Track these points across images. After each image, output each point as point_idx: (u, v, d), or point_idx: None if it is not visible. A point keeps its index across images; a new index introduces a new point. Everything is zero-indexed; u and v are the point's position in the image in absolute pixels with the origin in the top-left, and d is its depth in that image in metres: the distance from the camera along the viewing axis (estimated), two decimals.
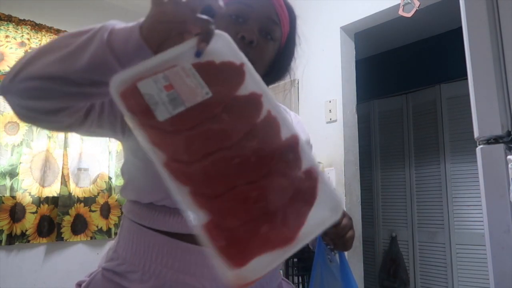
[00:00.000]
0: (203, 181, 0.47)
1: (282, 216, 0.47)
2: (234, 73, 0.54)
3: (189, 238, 0.63)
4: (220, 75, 0.53)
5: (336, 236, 0.69)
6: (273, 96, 0.54)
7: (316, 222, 0.48)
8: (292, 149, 0.51)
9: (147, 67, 0.51)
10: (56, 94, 0.54)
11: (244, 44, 0.69)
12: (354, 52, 2.41)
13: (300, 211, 0.48)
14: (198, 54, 0.53)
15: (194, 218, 0.45)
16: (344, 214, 0.70)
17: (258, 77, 0.54)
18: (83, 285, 0.68)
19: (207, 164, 0.48)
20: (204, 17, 0.52)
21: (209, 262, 0.61)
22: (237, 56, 0.55)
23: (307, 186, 0.50)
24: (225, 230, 0.45)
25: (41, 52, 0.55)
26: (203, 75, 0.52)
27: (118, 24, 0.55)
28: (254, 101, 0.52)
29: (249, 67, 0.55)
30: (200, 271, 0.63)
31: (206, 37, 0.52)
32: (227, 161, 0.48)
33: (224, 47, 0.55)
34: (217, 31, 0.54)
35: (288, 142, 0.51)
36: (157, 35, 0.52)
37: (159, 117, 0.49)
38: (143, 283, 0.63)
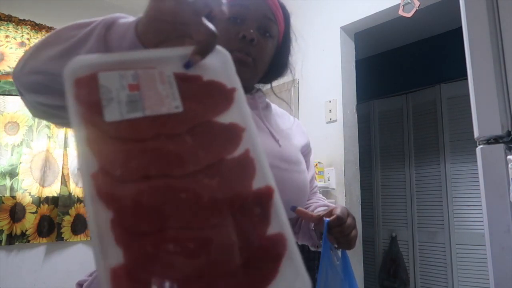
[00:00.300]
0: (131, 209, 0.36)
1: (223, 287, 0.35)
2: (221, 96, 0.46)
3: None
4: (202, 93, 0.45)
5: (341, 235, 0.70)
6: (257, 136, 0.44)
7: None
8: (261, 203, 0.40)
9: (120, 59, 0.44)
10: (60, 89, 0.51)
11: (246, 43, 0.71)
12: (354, 52, 2.41)
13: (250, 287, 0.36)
14: (188, 65, 0.46)
15: (101, 254, 0.33)
16: (348, 214, 0.71)
17: (247, 110, 0.45)
18: (85, 284, 0.68)
19: (142, 189, 0.37)
20: (211, 26, 0.47)
21: None
22: (232, 79, 0.47)
23: (267, 258, 0.38)
24: (138, 284, 0.33)
25: (44, 44, 0.53)
26: (182, 87, 0.44)
27: (122, 18, 0.52)
28: (232, 133, 0.43)
29: (240, 95, 0.46)
30: None
31: (204, 49, 0.47)
32: (171, 193, 0.37)
33: (220, 65, 0.48)
34: (219, 47, 0.49)
35: (258, 193, 0.40)
36: (154, 35, 0.47)
37: (106, 116, 0.40)
38: None
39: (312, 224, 0.77)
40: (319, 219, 0.70)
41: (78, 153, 0.38)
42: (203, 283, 0.35)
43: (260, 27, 0.75)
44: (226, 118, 0.44)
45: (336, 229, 0.69)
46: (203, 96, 0.45)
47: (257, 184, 0.41)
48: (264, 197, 0.41)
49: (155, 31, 0.47)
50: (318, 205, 0.84)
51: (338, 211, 0.69)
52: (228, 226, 0.37)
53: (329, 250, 0.71)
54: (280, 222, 0.40)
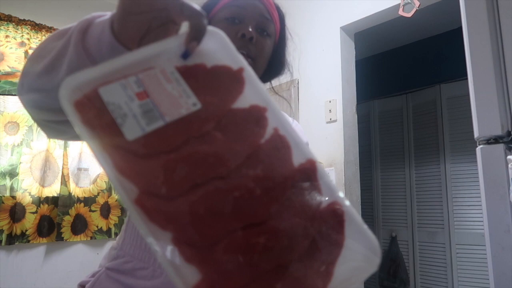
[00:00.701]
0: (190, 223, 0.34)
1: (300, 269, 0.35)
2: (231, 80, 0.42)
3: None
4: (212, 82, 0.41)
5: None
6: (280, 110, 0.42)
7: (346, 275, 0.36)
8: (308, 177, 0.39)
9: (114, 68, 0.39)
10: (58, 105, 0.49)
11: (245, 42, 0.73)
12: (354, 52, 2.41)
13: (324, 261, 0.36)
14: (186, 55, 0.42)
15: (178, 277, 0.32)
16: None
17: (261, 86, 0.43)
18: (87, 285, 0.67)
19: (195, 200, 0.34)
20: (195, 6, 0.43)
21: None
22: (235, 59, 0.44)
23: (331, 227, 0.38)
24: None
25: (32, 58, 0.50)
26: (189, 81, 0.40)
27: (98, 18, 0.47)
28: (257, 116, 0.41)
29: (249, 73, 0.43)
30: None
31: (198, 33, 0.42)
32: (223, 195, 0.35)
33: (218, 47, 0.44)
34: (210, 28, 0.44)
35: (302, 168, 0.39)
36: (132, 30, 0.43)
37: (128, 135, 0.36)
38: (154, 279, 0.62)
39: None
40: None
41: (113, 184, 0.35)
42: (283, 270, 0.34)
43: (258, 26, 0.76)
44: (244, 102, 0.41)
45: None
46: (214, 85, 0.41)
47: (297, 160, 0.40)
48: (310, 171, 0.40)
49: (134, 25, 0.43)
50: None
51: None
52: (288, 210, 0.37)
53: None
54: (330, 190, 0.40)
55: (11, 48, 2.29)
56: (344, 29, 2.33)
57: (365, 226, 0.38)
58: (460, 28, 0.93)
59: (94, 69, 0.39)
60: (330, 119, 2.26)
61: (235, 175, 0.37)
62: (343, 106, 2.24)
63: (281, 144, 0.40)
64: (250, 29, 0.74)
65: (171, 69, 0.41)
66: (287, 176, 0.38)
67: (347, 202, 0.39)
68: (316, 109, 2.34)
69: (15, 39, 2.32)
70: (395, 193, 3.22)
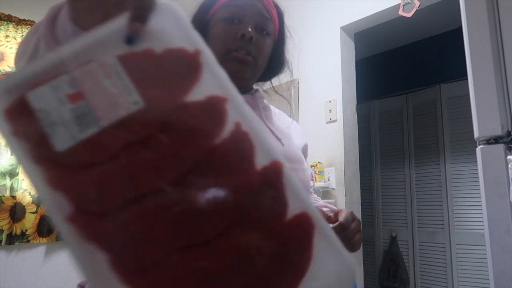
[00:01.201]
0: (126, 244, 0.29)
1: None
2: (185, 66, 0.35)
3: None
4: (161, 71, 0.35)
5: (344, 240, 0.70)
6: (244, 101, 0.35)
7: None
8: (271, 183, 0.33)
9: (47, 66, 0.34)
10: None
11: (245, 42, 0.73)
12: (354, 52, 2.41)
13: (288, 282, 0.31)
14: (129, 40, 0.35)
15: None
16: (353, 218, 0.71)
17: (222, 73, 0.36)
18: (86, 286, 0.67)
19: (130, 217, 0.30)
20: None
21: None
22: (191, 39, 0.36)
23: (296, 243, 0.32)
24: None
25: (17, 58, 0.47)
26: (134, 73, 0.34)
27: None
28: (213, 109, 0.34)
29: (208, 56, 0.36)
30: None
31: (141, 12, 0.35)
32: (162, 211, 0.30)
33: (172, 26, 0.36)
34: (160, 1, 0.37)
35: (264, 173, 0.33)
36: (90, 13, 0.37)
37: (57, 146, 0.31)
38: None
39: None
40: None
41: (42, 199, 0.30)
42: None
43: (257, 26, 0.76)
44: (200, 91, 0.34)
45: (339, 236, 0.69)
46: (164, 75, 0.34)
47: (261, 161, 0.33)
48: (273, 175, 0.33)
49: (89, 7, 0.37)
50: (318, 205, 0.85)
51: (342, 218, 0.68)
52: (240, 226, 0.30)
53: None
54: (299, 199, 0.33)
55: (11, 48, 2.29)
56: (344, 29, 2.33)
57: (338, 243, 0.32)
58: (460, 28, 0.93)
59: (25, 68, 0.34)
60: (330, 119, 2.26)
61: (179, 186, 0.30)
62: (343, 106, 2.24)
63: (242, 144, 0.33)
64: (250, 29, 0.73)
65: (112, 61, 0.34)
66: (243, 184, 0.31)
67: (317, 214, 0.33)
68: (316, 109, 2.34)
69: (15, 39, 2.32)
70: (395, 193, 3.22)
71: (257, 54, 0.75)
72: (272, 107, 0.89)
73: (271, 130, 0.77)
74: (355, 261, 2.01)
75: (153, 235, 0.30)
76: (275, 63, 0.85)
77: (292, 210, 0.33)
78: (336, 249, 0.32)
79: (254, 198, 0.32)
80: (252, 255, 0.30)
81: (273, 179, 0.33)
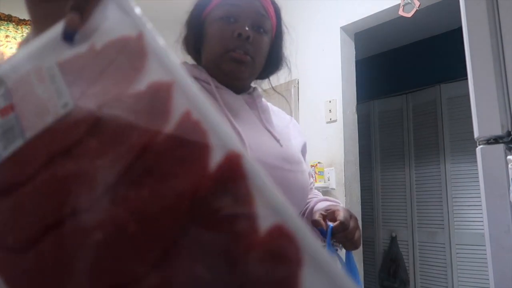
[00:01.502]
0: (36, 284, 0.22)
1: None
2: (126, 55, 0.29)
3: None
4: (99, 67, 0.29)
5: (345, 240, 0.70)
6: (195, 86, 0.27)
7: None
8: (227, 186, 0.23)
9: None
10: None
11: (242, 41, 0.72)
12: (354, 52, 2.41)
13: None
14: (67, 36, 0.30)
15: None
16: (351, 216, 0.71)
17: (170, 56, 0.28)
18: None
19: (42, 250, 0.23)
20: None
21: None
22: (136, 24, 0.30)
23: (273, 277, 0.21)
24: None
25: None
26: (72, 73, 0.29)
27: None
28: (155, 96, 0.26)
29: (153, 39, 0.29)
30: None
31: (79, 4, 0.31)
32: (81, 237, 0.22)
33: (115, 13, 0.31)
34: None
35: (219, 171, 0.23)
36: (41, 14, 0.34)
37: None
38: None
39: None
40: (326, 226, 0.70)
41: None
42: None
43: (254, 24, 0.74)
44: (144, 80, 0.27)
45: (340, 235, 0.69)
46: (102, 70, 0.29)
47: (218, 155, 0.24)
48: (229, 174, 0.23)
49: (39, 10, 0.35)
50: (318, 200, 0.84)
51: (341, 217, 0.68)
52: (186, 254, 0.21)
53: (332, 255, 0.71)
54: (270, 204, 0.22)
55: (11, 48, 2.29)
56: (344, 29, 2.33)
57: (334, 265, 0.22)
58: (460, 28, 0.93)
59: None
60: (330, 119, 2.26)
61: (103, 203, 0.22)
62: (343, 106, 2.24)
63: (191, 136, 0.25)
64: (247, 28, 0.72)
65: (49, 64, 0.30)
66: (189, 191, 0.22)
67: (298, 222, 0.22)
68: (316, 109, 2.34)
69: (15, 39, 2.32)
70: (395, 193, 3.22)
71: (254, 53, 0.74)
72: (270, 105, 0.88)
73: (269, 131, 0.76)
74: (355, 260, 1.99)
75: (71, 273, 0.21)
76: (273, 60, 0.84)
77: (265, 222, 0.22)
78: (331, 270, 0.21)
79: (205, 211, 0.22)
80: None
81: (229, 179, 0.23)
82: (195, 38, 0.78)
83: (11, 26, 2.32)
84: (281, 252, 0.21)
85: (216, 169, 0.23)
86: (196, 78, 0.75)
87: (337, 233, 0.68)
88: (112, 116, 0.26)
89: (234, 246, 0.21)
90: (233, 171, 0.23)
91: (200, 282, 0.21)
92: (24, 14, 2.37)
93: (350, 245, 0.72)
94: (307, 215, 0.82)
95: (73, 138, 0.25)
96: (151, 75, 0.27)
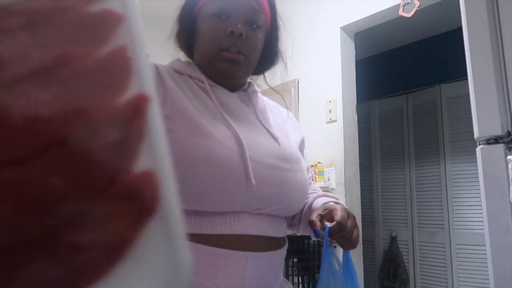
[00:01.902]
0: None
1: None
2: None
3: (203, 240, 0.62)
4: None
5: (343, 240, 0.69)
6: (142, 30, 0.27)
7: None
8: (120, 122, 0.23)
9: None
10: None
11: (235, 39, 0.70)
12: (354, 52, 2.42)
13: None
14: None
15: None
16: (349, 215, 0.70)
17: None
18: None
19: None
20: None
21: (223, 263, 0.61)
22: None
23: (119, 216, 0.21)
24: None
25: None
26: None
27: None
28: (100, 22, 0.26)
29: None
30: (215, 273, 0.62)
31: None
32: None
33: None
34: None
35: (119, 107, 0.24)
36: None
37: None
38: None
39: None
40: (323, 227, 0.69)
41: None
42: None
43: (247, 20, 0.72)
44: (102, 5, 0.26)
45: (337, 235, 0.68)
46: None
47: (129, 95, 0.24)
48: (128, 113, 0.23)
49: None
50: (317, 195, 0.83)
51: (338, 217, 0.67)
52: (48, 162, 0.20)
53: (329, 256, 0.71)
54: (154, 153, 0.23)
55: None
56: (344, 29, 2.33)
57: (182, 238, 0.22)
58: (460, 28, 0.93)
59: None
60: (330, 119, 2.27)
61: (7, 90, 0.21)
62: (343, 106, 2.24)
63: (114, 68, 0.25)
64: (239, 25, 0.70)
65: None
66: (81, 111, 0.22)
67: (168, 186, 0.23)
68: (316, 109, 2.35)
69: None
70: (395, 193, 3.22)
71: (248, 50, 0.72)
72: (266, 100, 0.86)
73: (267, 129, 0.74)
74: (355, 261, 2.00)
75: None
76: (268, 55, 0.81)
77: (141, 165, 0.22)
78: (174, 242, 0.21)
79: (88, 134, 0.22)
80: (48, 208, 0.20)
81: (126, 117, 0.23)
82: (187, 35, 0.76)
83: None
84: (138, 196, 0.22)
85: (122, 102, 0.24)
86: (190, 76, 0.73)
87: (335, 233, 0.67)
88: (52, 21, 0.25)
89: (100, 170, 0.21)
90: (135, 110, 0.24)
91: (48, 186, 0.20)
92: None
93: (347, 245, 0.70)
94: (306, 211, 0.81)
95: (5, 25, 0.23)
96: (110, 1, 0.27)
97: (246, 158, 0.64)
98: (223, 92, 0.74)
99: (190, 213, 0.62)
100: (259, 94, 0.84)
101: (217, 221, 0.63)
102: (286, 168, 0.70)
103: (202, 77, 0.73)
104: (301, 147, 0.86)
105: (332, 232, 0.67)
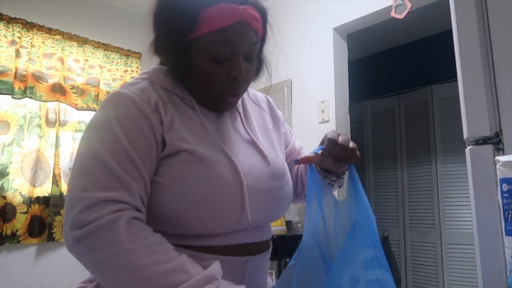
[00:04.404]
0: None
1: None
2: None
3: (203, 249, 0.64)
4: None
5: (341, 152, 0.70)
6: None
7: None
8: None
9: None
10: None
11: (236, 83, 0.68)
12: (347, 53, 2.43)
13: None
14: None
15: None
16: (338, 133, 0.71)
17: None
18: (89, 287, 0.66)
19: None
20: None
21: (225, 270, 0.61)
22: None
23: None
24: None
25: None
26: None
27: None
28: None
29: None
30: None
31: None
32: None
33: None
34: None
35: None
36: None
37: None
38: None
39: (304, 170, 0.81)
40: (321, 156, 0.71)
41: None
42: None
43: (246, 55, 0.68)
44: None
45: (334, 150, 0.69)
46: None
47: None
48: None
49: None
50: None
51: (328, 135, 0.70)
52: None
53: (316, 182, 0.70)
54: None
55: (1, 46, 2.27)
56: (337, 30, 2.34)
57: None
58: (451, 30, 0.93)
59: None
60: (323, 119, 2.27)
61: None
62: (336, 106, 2.25)
63: None
64: (240, 68, 0.66)
65: None
66: None
67: None
68: (309, 110, 2.35)
69: (5, 37, 2.30)
70: (387, 193, 3.25)
71: (247, 85, 0.72)
72: (246, 96, 0.83)
73: (256, 147, 0.74)
74: None
75: None
76: (258, 65, 0.77)
77: None
78: None
79: None
80: None
81: None
82: (177, 63, 0.69)
83: (1, 24, 2.29)
84: None
85: None
86: (178, 96, 0.70)
87: (331, 150, 0.69)
88: None
89: None
90: None
91: None
92: (16, 13, 2.34)
93: (350, 156, 0.72)
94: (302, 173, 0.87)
95: None
96: None
97: (245, 194, 0.65)
98: (213, 117, 0.72)
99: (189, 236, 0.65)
100: (244, 101, 0.82)
101: (216, 238, 0.66)
102: (277, 186, 0.73)
103: (191, 99, 0.70)
104: (284, 130, 0.91)
105: (328, 151, 0.69)
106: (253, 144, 0.74)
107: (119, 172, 0.58)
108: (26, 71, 2.31)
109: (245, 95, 0.83)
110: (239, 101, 0.79)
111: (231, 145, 0.70)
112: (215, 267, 0.56)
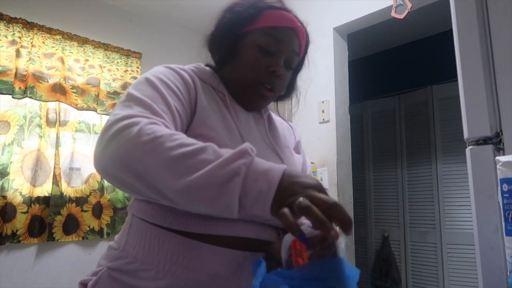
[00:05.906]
0: None
1: None
2: None
3: (204, 238, 0.64)
4: None
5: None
6: None
7: None
8: None
9: None
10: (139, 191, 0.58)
11: (273, 77, 0.76)
12: (347, 53, 2.43)
13: None
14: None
15: None
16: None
17: None
18: (90, 283, 0.67)
19: None
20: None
21: (224, 261, 0.62)
22: None
23: None
24: None
25: (174, 163, 0.53)
26: None
27: (258, 163, 0.52)
28: None
29: None
30: (215, 270, 0.63)
31: None
32: None
33: None
34: None
35: None
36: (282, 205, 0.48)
37: None
38: (157, 281, 0.62)
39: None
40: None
41: None
42: None
43: (287, 61, 0.78)
44: None
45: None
46: None
47: None
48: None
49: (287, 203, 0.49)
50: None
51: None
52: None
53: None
54: None
55: (2, 46, 2.27)
56: (337, 30, 2.34)
57: None
58: (451, 30, 0.94)
59: None
60: (323, 119, 2.27)
61: None
62: (336, 106, 2.25)
63: None
64: (280, 66, 0.75)
65: None
66: None
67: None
68: (309, 110, 2.35)
69: (6, 37, 2.30)
70: (387, 193, 3.25)
71: (279, 89, 0.79)
72: (275, 116, 0.92)
73: (275, 150, 0.78)
74: (347, 259, 1.99)
75: None
76: (287, 89, 0.88)
77: None
78: None
79: None
80: None
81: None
82: (228, 51, 0.78)
83: (2, 24, 2.29)
84: None
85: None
86: (213, 88, 0.77)
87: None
88: None
89: None
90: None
91: None
92: (16, 12, 2.34)
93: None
94: None
95: None
96: None
97: None
98: (240, 110, 0.78)
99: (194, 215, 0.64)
100: (270, 113, 0.89)
101: (219, 225, 0.65)
102: None
103: (225, 91, 0.77)
104: (301, 150, 0.95)
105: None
106: (272, 148, 0.79)
107: (153, 107, 0.62)
108: (27, 71, 2.31)
109: (271, 113, 0.91)
110: (266, 113, 0.86)
111: (252, 142, 0.71)
112: (247, 144, 0.55)
